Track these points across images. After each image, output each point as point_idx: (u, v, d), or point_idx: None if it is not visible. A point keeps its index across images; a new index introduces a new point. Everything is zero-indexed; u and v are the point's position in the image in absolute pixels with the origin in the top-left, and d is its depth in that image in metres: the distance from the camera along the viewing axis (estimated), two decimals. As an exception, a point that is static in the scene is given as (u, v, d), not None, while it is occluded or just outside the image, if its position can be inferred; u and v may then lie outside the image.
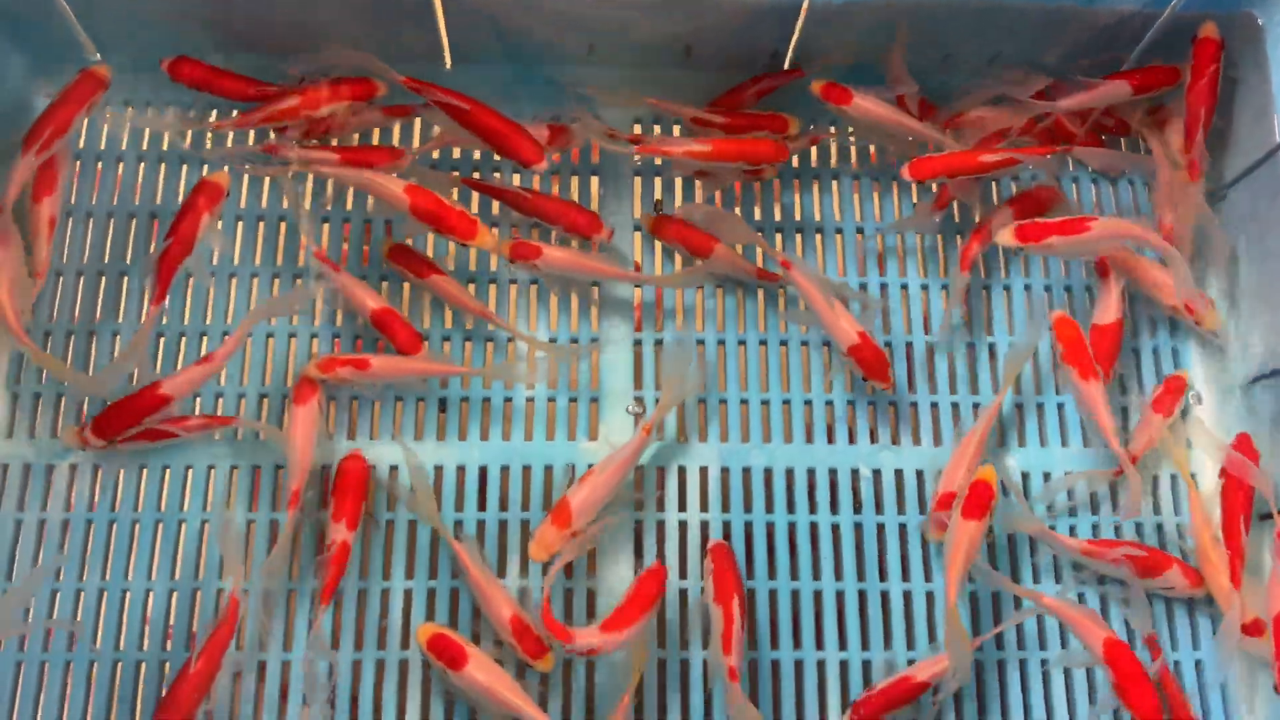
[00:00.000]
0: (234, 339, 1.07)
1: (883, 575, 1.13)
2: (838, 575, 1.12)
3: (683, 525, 1.13)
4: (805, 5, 1.14)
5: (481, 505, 1.12)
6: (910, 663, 1.09)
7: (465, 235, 1.10)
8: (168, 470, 1.12)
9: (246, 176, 1.21)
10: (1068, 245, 1.13)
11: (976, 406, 1.19)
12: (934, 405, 1.19)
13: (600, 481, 1.06)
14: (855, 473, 1.16)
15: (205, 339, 1.16)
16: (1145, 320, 1.22)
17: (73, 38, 1.19)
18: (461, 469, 1.14)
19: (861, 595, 1.12)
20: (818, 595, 1.12)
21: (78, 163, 1.21)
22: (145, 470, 1.11)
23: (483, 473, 1.14)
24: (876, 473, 1.16)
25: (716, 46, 1.23)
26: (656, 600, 1.02)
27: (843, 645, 1.10)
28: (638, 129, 1.26)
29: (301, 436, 1.08)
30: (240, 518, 1.10)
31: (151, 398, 1.06)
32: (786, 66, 1.24)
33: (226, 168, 1.16)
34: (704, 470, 1.15)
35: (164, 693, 1.01)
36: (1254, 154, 1.17)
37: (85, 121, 1.18)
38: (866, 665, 1.10)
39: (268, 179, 1.21)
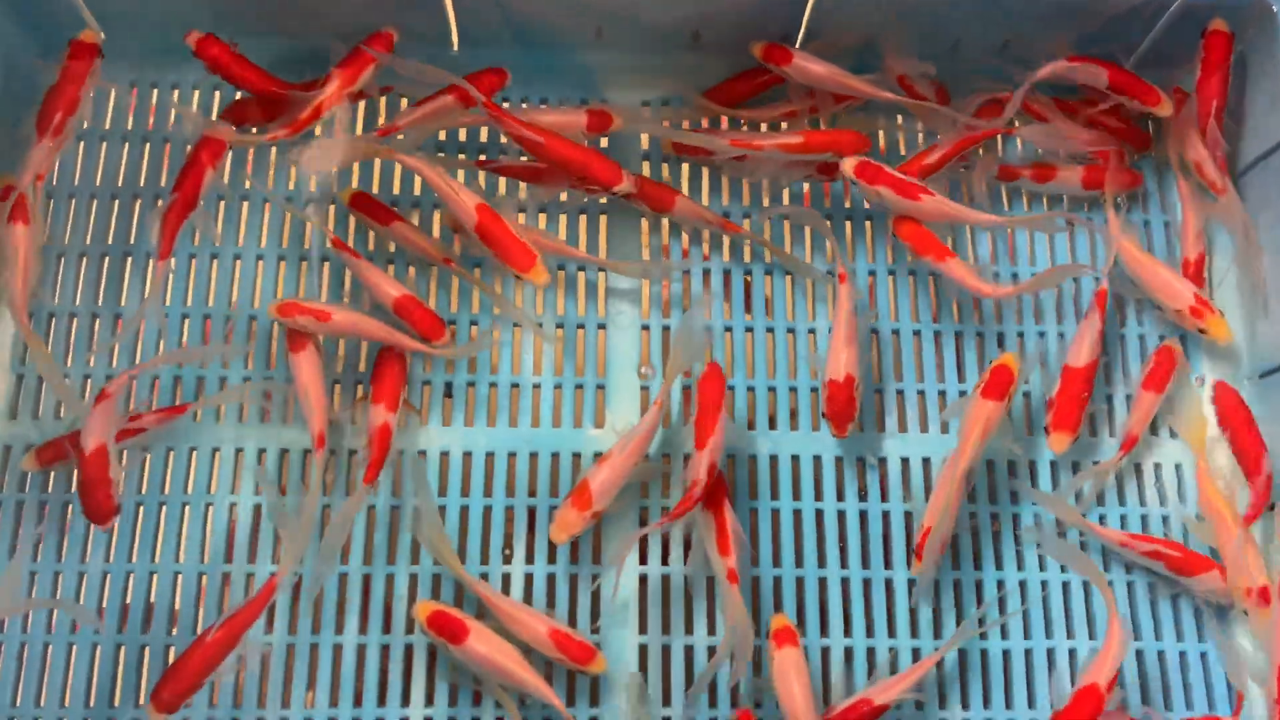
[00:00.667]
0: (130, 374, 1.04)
1: (888, 563, 1.12)
2: (843, 563, 1.12)
3: (689, 512, 1.13)
4: (815, -11, 1.14)
5: (488, 491, 1.12)
6: (915, 652, 1.09)
7: (521, 267, 1.09)
8: (171, 452, 1.12)
9: (252, 154, 1.21)
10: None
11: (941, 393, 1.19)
12: (941, 394, 1.18)
13: (619, 462, 1.06)
14: (861, 460, 1.16)
15: (209, 320, 1.16)
16: (1152, 308, 1.22)
17: (80, 21, 1.17)
18: (468, 455, 1.13)
19: (866, 583, 1.11)
20: (823, 583, 1.11)
21: (80, 143, 1.21)
22: (150, 456, 1.11)
23: (489, 459, 1.13)
24: (882, 460, 1.16)
25: (725, 31, 1.22)
26: (723, 396, 1.06)
27: (847, 633, 1.10)
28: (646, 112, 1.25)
29: (309, 379, 1.09)
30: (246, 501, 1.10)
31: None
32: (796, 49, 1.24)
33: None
34: (710, 457, 1.15)
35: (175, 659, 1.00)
36: (1267, 141, 1.17)
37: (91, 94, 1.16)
38: (871, 653, 1.10)
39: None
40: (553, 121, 1.16)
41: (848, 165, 1.15)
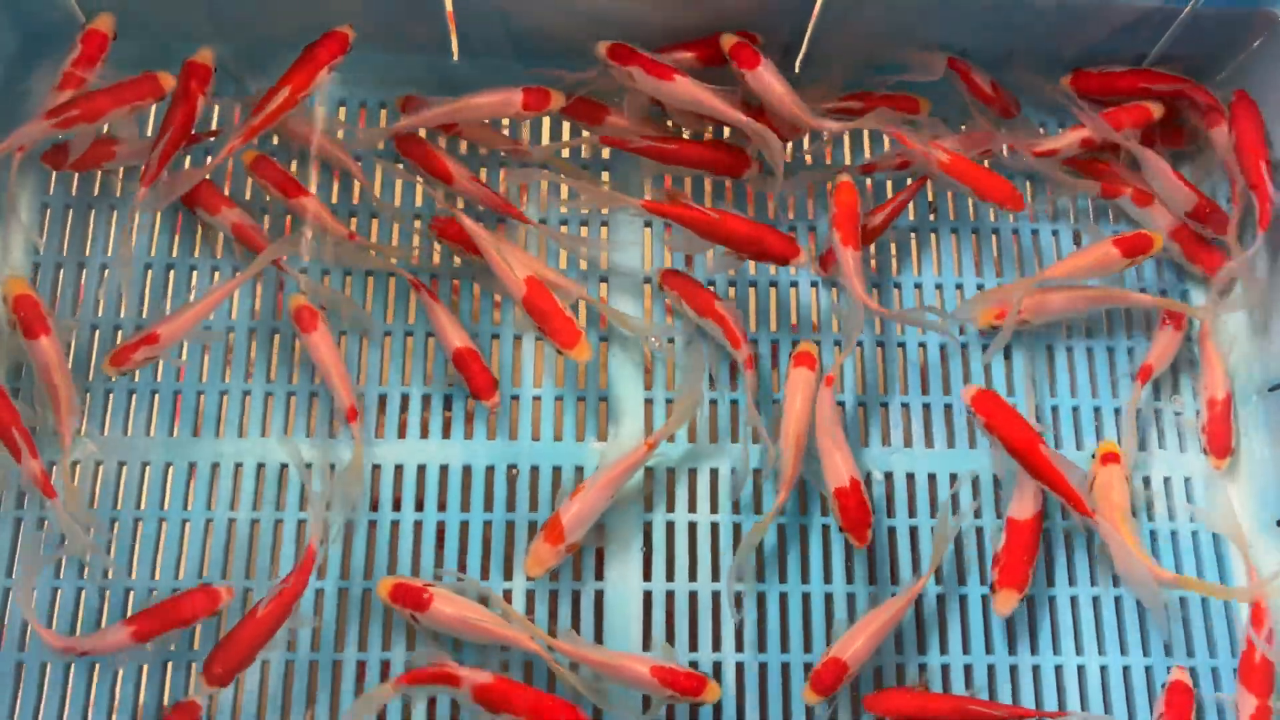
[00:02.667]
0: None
1: (894, 578, 1.11)
2: (849, 578, 1.11)
3: (693, 526, 1.12)
4: (820, -1, 1.13)
5: (488, 506, 1.11)
6: (922, 668, 1.08)
7: (565, 344, 1.07)
8: (170, 467, 1.10)
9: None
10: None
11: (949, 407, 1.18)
12: (948, 407, 1.17)
13: (592, 496, 1.04)
14: (867, 475, 1.15)
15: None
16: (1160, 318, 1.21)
17: (69, 15, 1.15)
18: (468, 469, 1.12)
19: (872, 599, 1.10)
20: (828, 598, 1.10)
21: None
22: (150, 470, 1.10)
23: (489, 473, 1.12)
24: (888, 475, 1.15)
25: (728, 42, 1.21)
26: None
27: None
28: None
29: (327, 355, 1.10)
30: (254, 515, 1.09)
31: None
32: (799, 62, 1.23)
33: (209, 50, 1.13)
34: (714, 471, 1.13)
35: (225, 634, 0.99)
36: (1274, 153, 1.16)
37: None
38: (878, 672, 1.09)
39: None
40: (486, 101, 1.14)
41: (601, 48, 1.15)
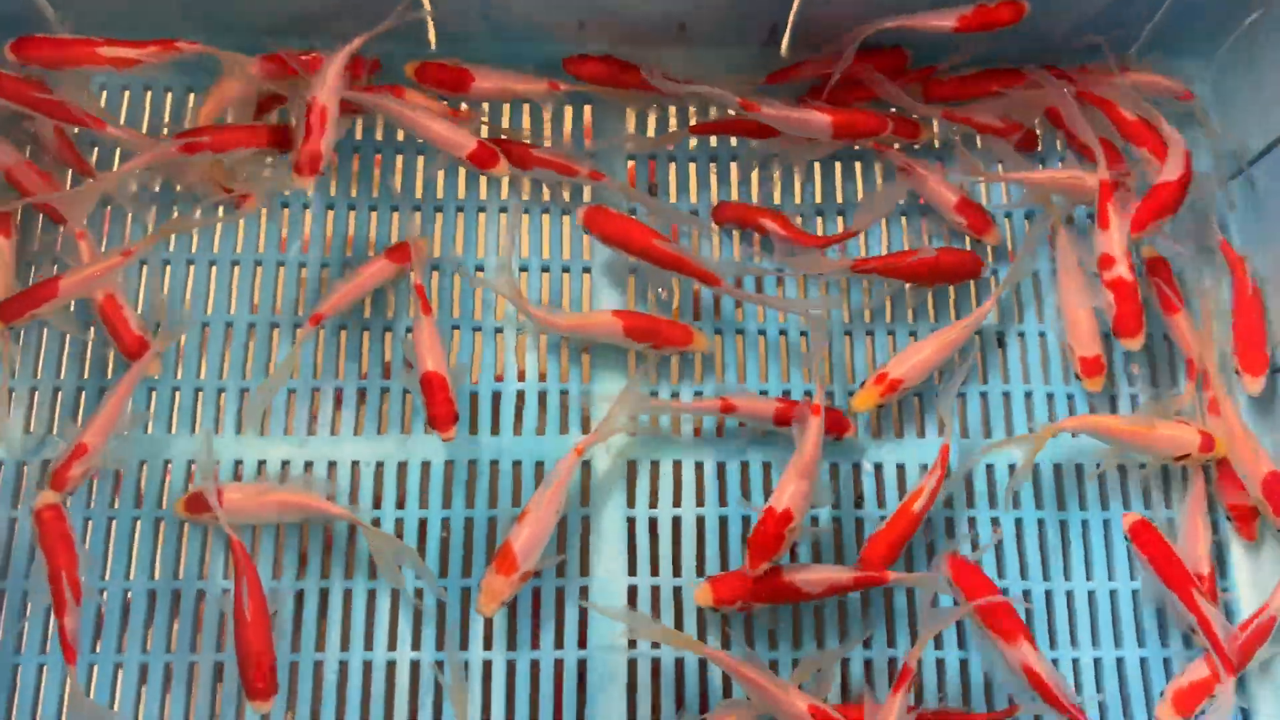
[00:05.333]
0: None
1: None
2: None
3: (676, 520, 1.10)
4: (804, -23, 1.10)
5: (469, 503, 1.09)
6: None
7: (683, 343, 1.10)
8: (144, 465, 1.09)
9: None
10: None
11: (984, 396, 1.15)
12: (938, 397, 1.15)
13: (539, 517, 1.00)
14: (857, 466, 1.12)
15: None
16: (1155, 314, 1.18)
17: (35, 12, 1.13)
18: (450, 464, 1.10)
19: (863, 592, 1.08)
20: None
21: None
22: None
23: (471, 467, 1.10)
24: (878, 466, 1.12)
25: (712, 22, 1.18)
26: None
27: (867, 644, 1.07)
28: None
29: (430, 347, 1.06)
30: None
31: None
32: (786, 40, 1.20)
33: None
34: (699, 465, 1.11)
35: (239, 641, 0.98)
36: (1274, 132, 1.13)
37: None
38: (869, 665, 1.07)
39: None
40: (440, 133, 1.11)
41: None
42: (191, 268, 1.15)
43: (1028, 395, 1.16)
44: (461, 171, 1.19)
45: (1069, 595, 1.10)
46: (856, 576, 1.02)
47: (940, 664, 1.07)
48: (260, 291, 1.14)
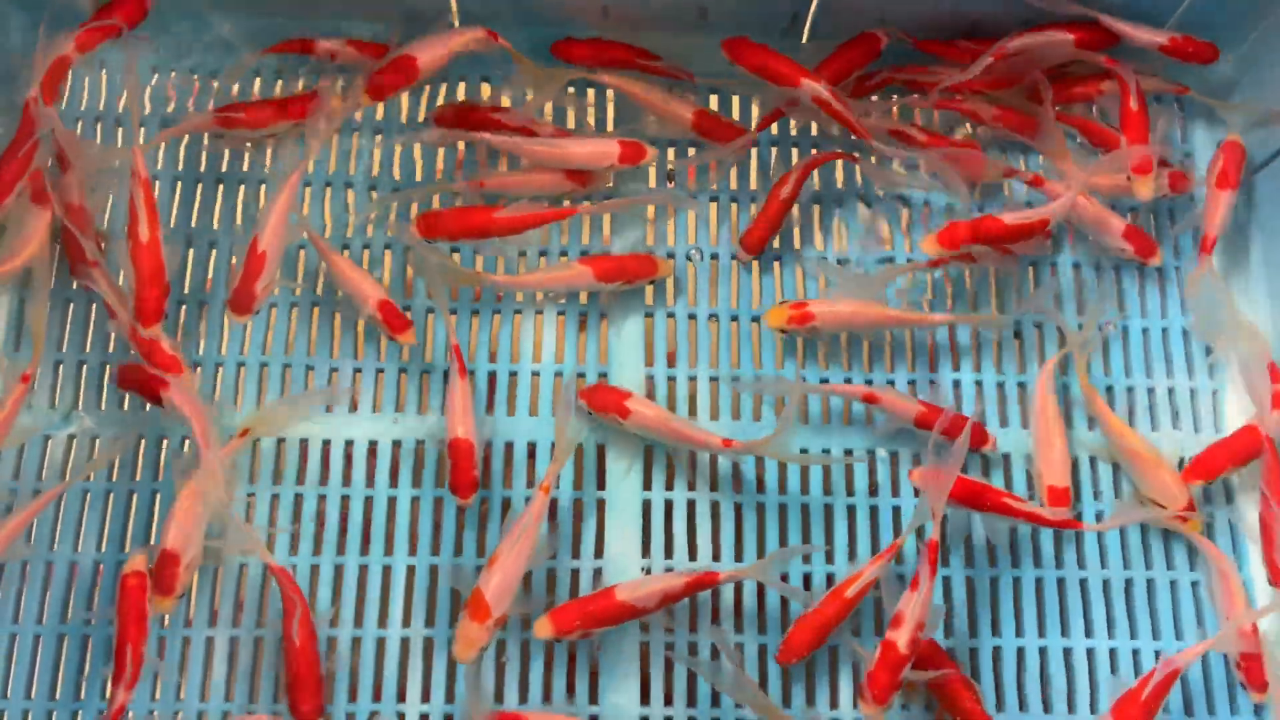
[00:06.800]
0: None
1: (898, 559, 1.09)
2: (851, 559, 1.09)
3: (691, 504, 1.10)
4: (826, -36, 1.10)
5: (485, 483, 1.09)
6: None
7: (650, 273, 1.12)
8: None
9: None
10: None
11: (1000, 386, 1.15)
12: (956, 384, 1.15)
13: (510, 562, 0.99)
14: (872, 454, 1.12)
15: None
16: (1158, 301, 1.18)
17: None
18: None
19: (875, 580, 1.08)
20: (829, 580, 1.08)
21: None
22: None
23: (486, 449, 1.10)
24: (894, 454, 1.12)
25: (733, 8, 1.18)
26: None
27: (856, 632, 1.07)
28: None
29: (461, 413, 1.06)
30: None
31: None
32: (807, 28, 1.20)
33: None
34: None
35: (290, 671, 1.00)
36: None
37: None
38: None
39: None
40: (580, 152, 1.13)
41: None
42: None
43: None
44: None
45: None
46: (688, 581, 1.01)
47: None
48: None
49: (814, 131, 1.22)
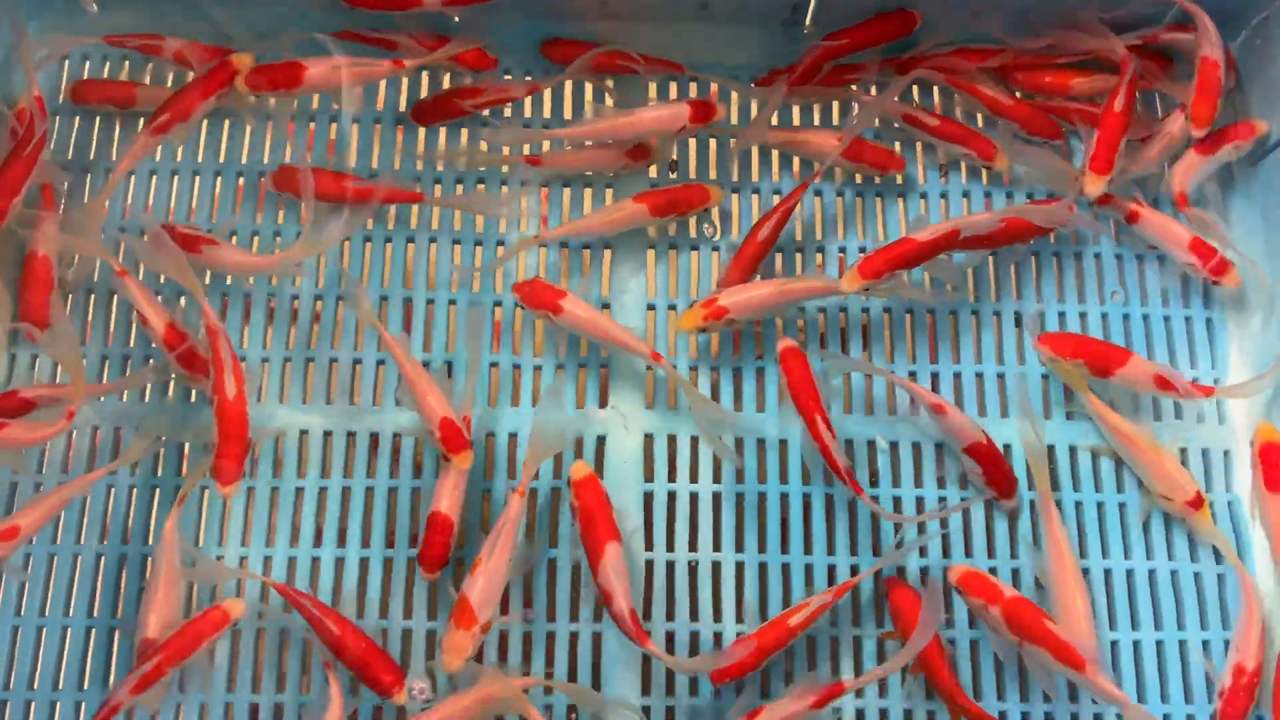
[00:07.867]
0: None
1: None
2: (853, 550, 1.09)
3: (694, 496, 1.10)
4: (826, -45, 1.10)
5: (488, 474, 1.10)
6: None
7: (703, 201, 1.14)
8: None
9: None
10: None
11: (1000, 377, 1.15)
12: (956, 375, 1.15)
13: (493, 567, 0.99)
14: (872, 444, 1.13)
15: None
16: (1177, 290, 1.18)
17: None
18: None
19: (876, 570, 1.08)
20: (831, 570, 1.09)
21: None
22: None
23: (489, 439, 1.11)
24: (894, 444, 1.13)
25: (734, 0, 1.18)
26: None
27: (856, 622, 1.07)
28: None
29: (450, 491, 1.05)
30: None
31: None
32: (808, 18, 1.20)
33: None
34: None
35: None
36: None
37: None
38: (881, 643, 1.07)
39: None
40: (651, 116, 1.13)
41: None
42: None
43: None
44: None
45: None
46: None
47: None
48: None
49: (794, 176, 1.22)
